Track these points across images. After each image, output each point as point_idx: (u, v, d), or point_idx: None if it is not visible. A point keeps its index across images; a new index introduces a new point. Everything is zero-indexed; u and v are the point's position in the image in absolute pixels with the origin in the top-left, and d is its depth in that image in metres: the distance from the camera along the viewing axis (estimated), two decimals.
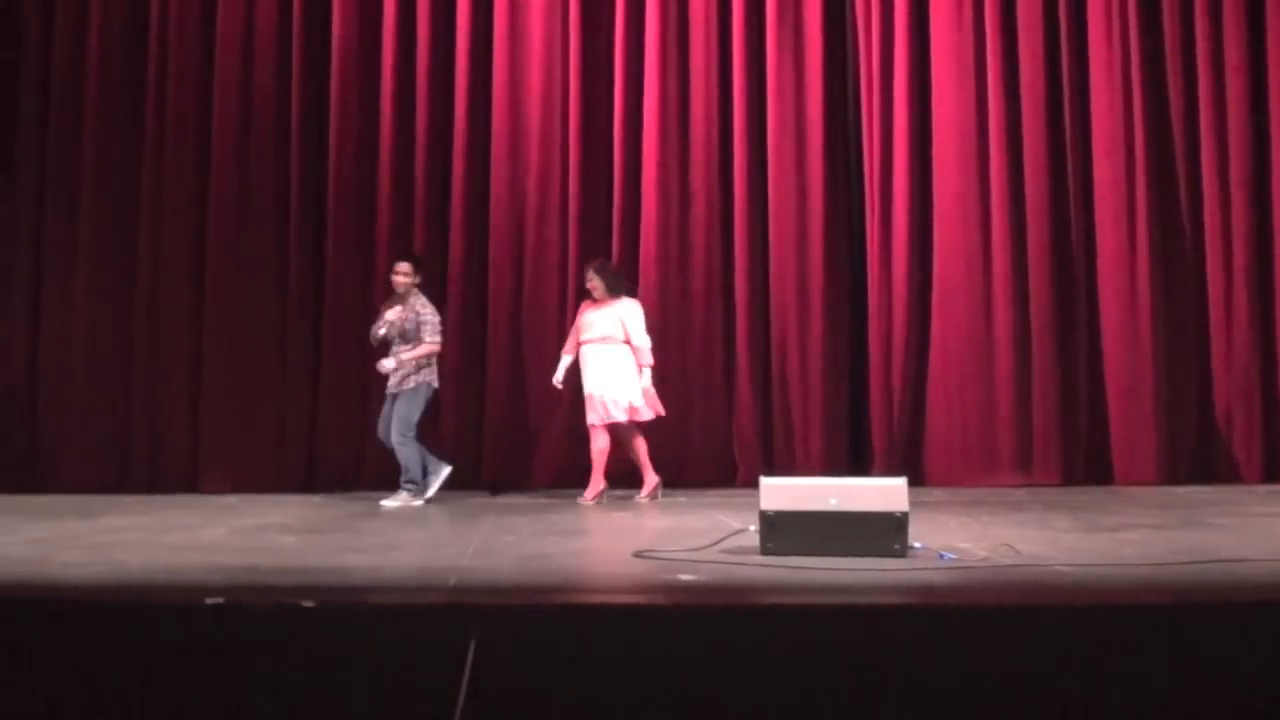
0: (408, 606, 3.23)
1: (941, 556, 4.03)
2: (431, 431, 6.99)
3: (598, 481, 6.58)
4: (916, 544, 4.13)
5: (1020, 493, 7.00)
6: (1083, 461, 7.54)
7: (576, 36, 7.76)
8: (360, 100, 7.73)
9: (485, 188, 7.77)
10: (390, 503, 6.46)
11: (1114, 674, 2.92)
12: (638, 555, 4.14)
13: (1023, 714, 2.89)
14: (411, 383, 6.59)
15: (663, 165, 7.73)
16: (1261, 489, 7.15)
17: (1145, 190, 7.61)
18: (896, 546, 4.02)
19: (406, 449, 6.54)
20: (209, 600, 3.03)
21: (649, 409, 6.64)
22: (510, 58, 7.77)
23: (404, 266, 6.76)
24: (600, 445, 6.59)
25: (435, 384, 6.69)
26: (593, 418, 6.59)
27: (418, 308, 6.65)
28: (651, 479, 6.69)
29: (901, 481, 4.16)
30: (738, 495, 6.63)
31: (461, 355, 7.67)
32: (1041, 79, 7.66)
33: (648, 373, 6.64)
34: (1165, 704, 2.90)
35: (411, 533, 5.18)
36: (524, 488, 7.46)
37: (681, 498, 6.80)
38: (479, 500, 6.71)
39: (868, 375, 7.70)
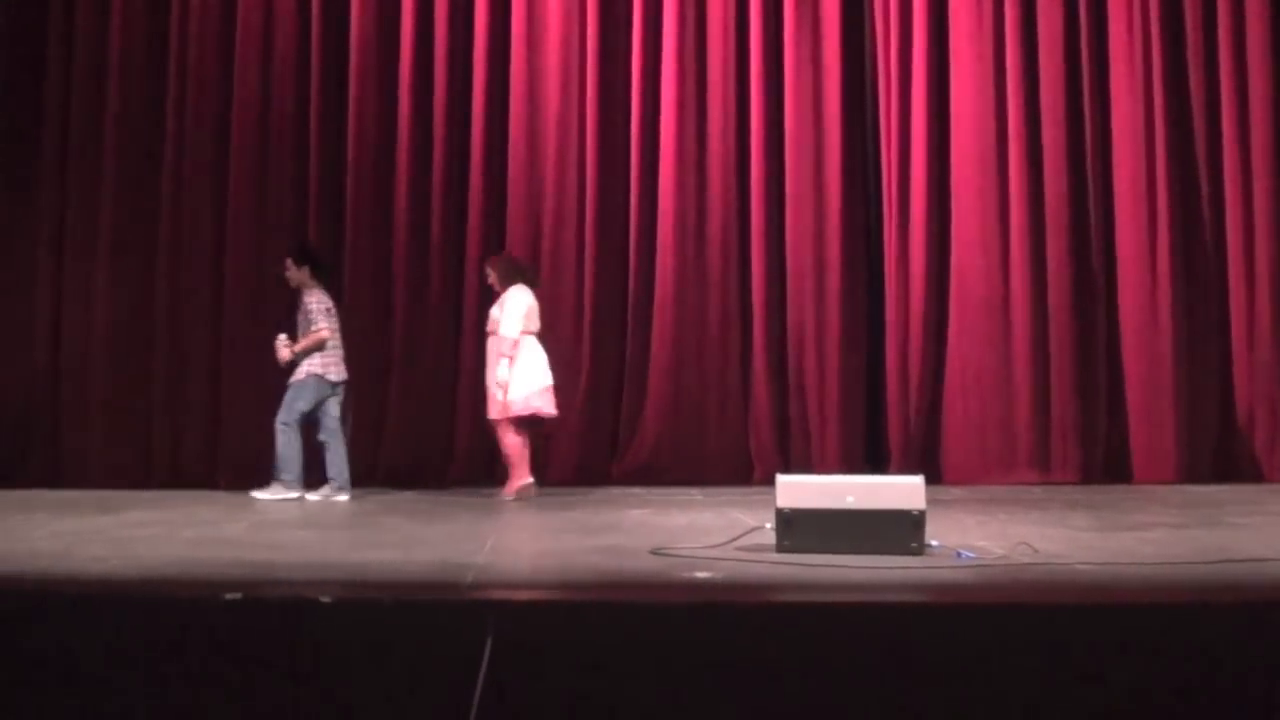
0: (424, 602, 3.24)
1: (959, 555, 4.01)
2: (338, 426, 6.82)
3: (520, 476, 6.55)
4: (934, 542, 4.11)
5: (1038, 491, 6.97)
6: (1102, 460, 7.49)
7: (594, 40, 7.76)
8: (378, 106, 7.76)
9: (502, 189, 7.80)
10: (262, 494, 6.48)
11: (1133, 673, 2.90)
12: (654, 552, 4.14)
13: (1041, 713, 2.88)
14: (302, 373, 6.58)
15: (680, 165, 7.72)
16: None
17: (1166, 188, 7.55)
18: (914, 545, 4.01)
19: (283, 438, 6.47)
20: (227, 596, 3.05)
21: (527, 405, 6.51)
22: (528, 60, 7.78)
23: (286, 261, 6.76)
24: (511, 440, 6.55)
25: (331, 376, 6.62)
26: (490, 412, 6.57)
27: (305, 299, 6.64)
28: (518, 480, 6.53)
29: (919, 480, 4.15)
30: (754, 493, 6.62)
31: (477, 354, 7.68)
32: (1061, 77, 7.61)
33: (504, 364, 6.50)
34: (1186, 703, 2.89)
35: (429, 529, 5.20)
36: (540, 484, 7.46)
37: (698, 495, 6.80)
38: (495, 497, 6.72)
39: (885, 374, 7.68)
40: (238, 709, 2.86)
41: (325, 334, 6.56)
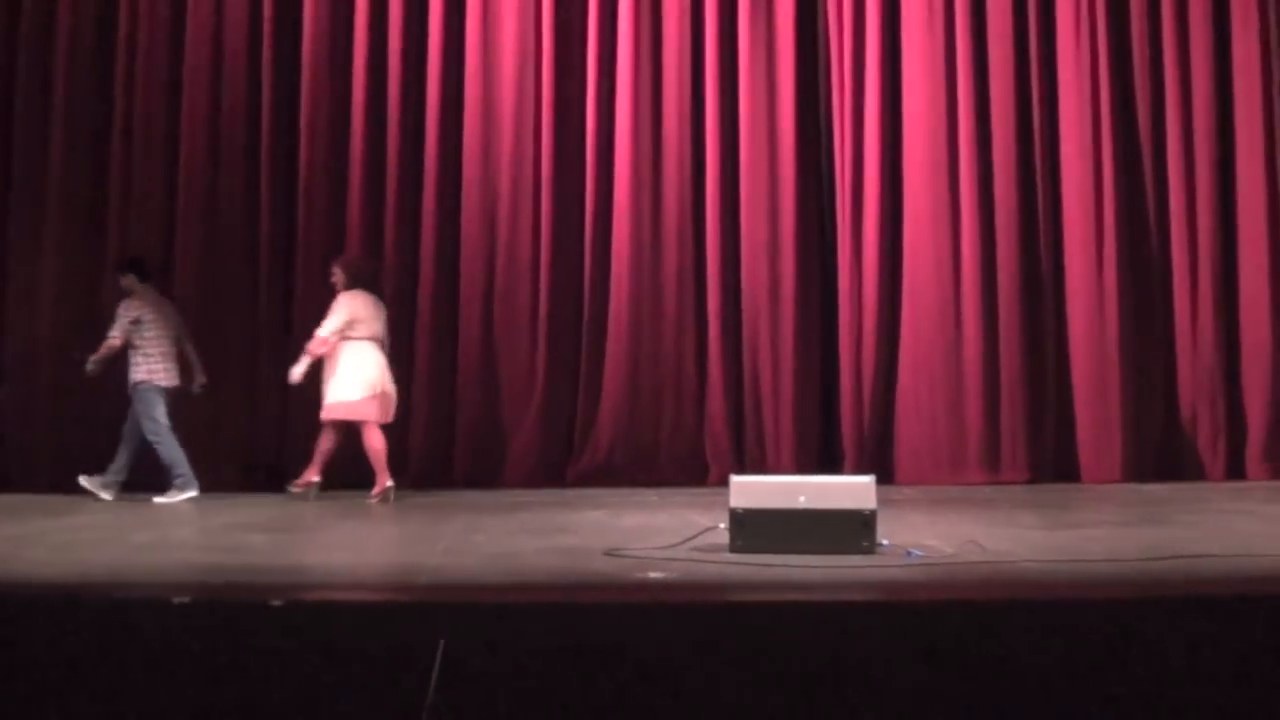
0: (377, 604, 3.23)
1: (909, 554, 4.07)
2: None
3: (313, 472, 6.64)
4: (884, 541, 4.16)
5: (988, 491, 7.06)
6: (1050, 460, 7.61)
7: (550, 47, 7.74)
8: (330, 107, 7.68)
9: (457, 188, 7.76)
10: (162, 499, 6.58)
11: (1078, 668, 2.96)
12: (608, 554, 4.16)
13: (988, 708, 2.93)
14: (131, 382, 6.75)
15: (635, 169, 7.72)
16: (1226, 486, 7.25)
17: (1112, 192, 7.69)
18: (864, 544, 4.05)
19: (162, 448, 6.66)
20: (176, 599, 3.02)
21: (340, 409, 6.59)
22: (483, 65, 7.74)
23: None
24: (325, 444, 6.65)
25: (159, 382, 6.74)
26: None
27: (117, 307, 6.82)
28: (312, 475, 6.64)
29: (869, 479, 4.20)
30: (709, 494, 6.65)
31: (433, 355, 7.67)
32: (1011, 84, 7.71)
33: (304, 363, 6.60)
34: (1127, 696, 2.95)
35: (381, 531, 5.18)
36: (496, 486, 7.46)
37: (653, 497, 6.82)
38: (450, 499, 6.70)
39: (838, 375, 7.74)
40: (187, 713, 2.83)
41: (115, 342, 6.73)
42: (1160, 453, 7.65)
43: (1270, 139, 7.67)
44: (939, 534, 4.70)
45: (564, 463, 7.65)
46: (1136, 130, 7.78)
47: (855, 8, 7.80)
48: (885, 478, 7.26)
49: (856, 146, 7.77)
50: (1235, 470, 7.55)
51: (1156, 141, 7.77)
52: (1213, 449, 7.61)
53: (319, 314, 7.64)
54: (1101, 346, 7.64)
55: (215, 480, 7.03)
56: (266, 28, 7.70)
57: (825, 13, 7.90)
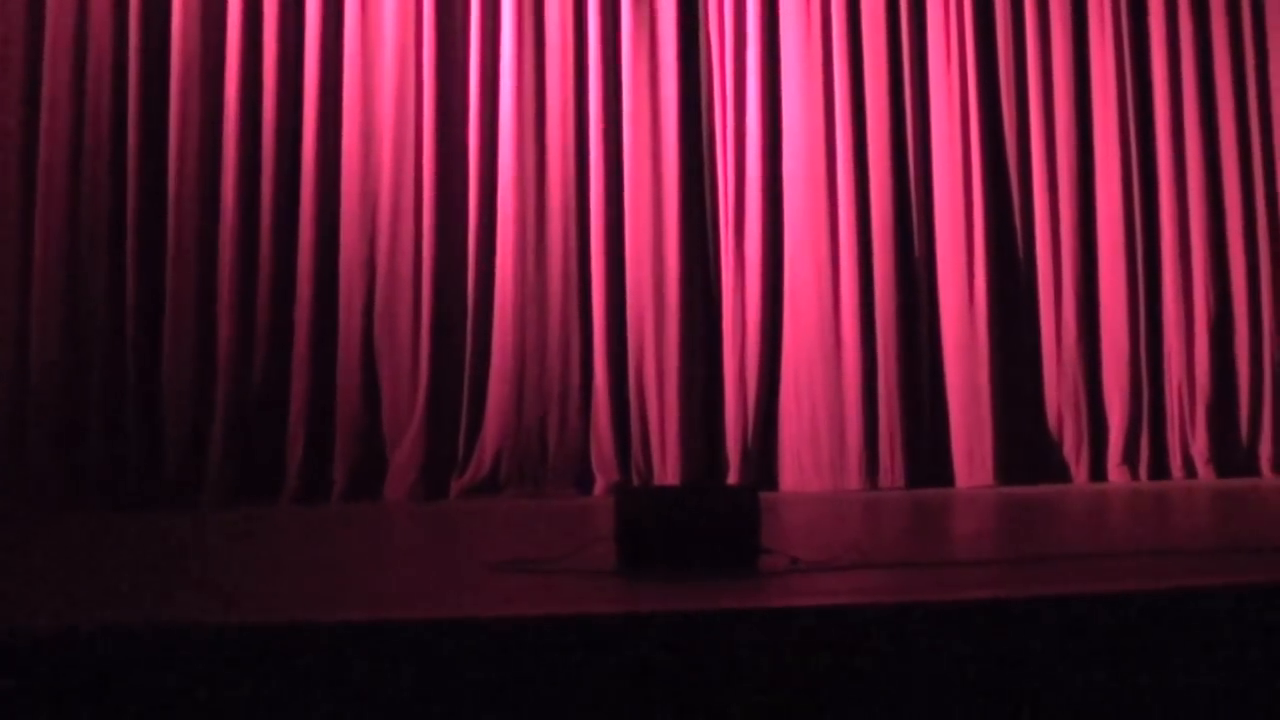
0: (248, 628, 3.12)
1: (793, 561, 4.12)
2: None
3: None
4: (766, 549, 4.21)
5: (867, 497, 7.25)
6: (926, 466, 7.87)
7: (431, 51, 7.73)
8: (201, 116, 7.50)
9: (335, 200, 7.65)
10: None
11: (958, 670, 3.04)
12: (492, 568, 4.11)
13: (872, 714, 2.99)
14: None
15: (519, 177, 7.75)
16: (1090, 489, 7.59)
17: (981, 207, 8.04)
18: (748, 552, 4.09)
19: None
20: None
21: None
22: (363, 72, 7.69)
23: None
24: None
25: None
26: None
27: None
28: None
29: (753, 488, 4.25)
30: (596, 506, 6.66)
31: (311, 369, 7.51)
32: (886, 104, 8.01)
33: None
34: (992, 701, 3.04)
35: (249, 552, 5.02)
36: (377, 500, 7.34)
37: (539, 509, 6.79)
38: (328, 514, 6.55)
39: (723, 386, 7.87)
40: None
41: None
42: (1029, 457, 7.99)
43: (1126, 160, 8.12)
44: (818, 540, 4.79)
45: (447, 476, 7.58)
46: (1003, 140, 8.17)
47: (736, 24, 7.97)
48: (769, 485, 7.42)
49: (739, 161, 7.94)
50: (1097, 473, 7.94)
51: (1022, 150, 8.18)
52: (1077, 452, 7.99)
53: (189, 329, 7.45)
54: (973, 357, 7.94)
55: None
56: (133, 39, 7.45)
57: (707, 30, 8.05)
